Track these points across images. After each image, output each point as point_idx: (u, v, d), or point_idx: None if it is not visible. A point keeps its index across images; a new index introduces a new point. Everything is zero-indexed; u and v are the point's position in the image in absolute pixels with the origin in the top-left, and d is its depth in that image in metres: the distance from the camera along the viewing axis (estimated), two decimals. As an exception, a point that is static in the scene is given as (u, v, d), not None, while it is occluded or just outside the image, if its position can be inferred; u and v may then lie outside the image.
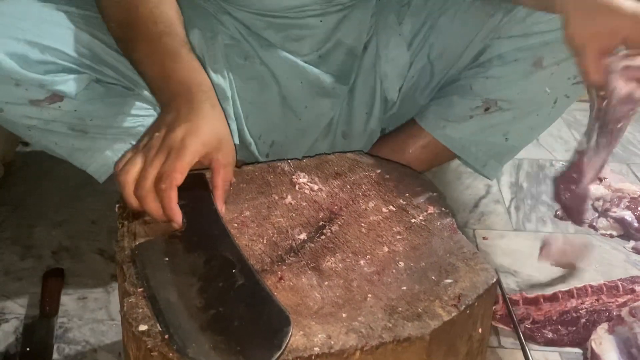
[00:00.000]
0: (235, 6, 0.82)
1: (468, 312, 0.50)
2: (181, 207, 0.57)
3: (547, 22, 0.78)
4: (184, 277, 0.51)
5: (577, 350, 0.76)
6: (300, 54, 0.85)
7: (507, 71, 0.82)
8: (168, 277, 0.51)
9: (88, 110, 0.76)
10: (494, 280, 0.52)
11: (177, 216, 0.56)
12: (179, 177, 0.57)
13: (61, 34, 0.72)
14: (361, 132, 0.91)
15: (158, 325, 0.46)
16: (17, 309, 0.81)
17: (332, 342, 0.45)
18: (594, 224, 0.99)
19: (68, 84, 0.73)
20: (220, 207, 0.60)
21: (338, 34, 0.85)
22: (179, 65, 0.66)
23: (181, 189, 0.57)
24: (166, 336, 0.45)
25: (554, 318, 0.78)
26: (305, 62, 0.85)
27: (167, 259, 0.53)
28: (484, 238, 0.97)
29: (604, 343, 0.72)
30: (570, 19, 0.61)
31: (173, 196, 0.56)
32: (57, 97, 0.73)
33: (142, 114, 0.80)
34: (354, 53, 0.86)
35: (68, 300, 0.83)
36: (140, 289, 0.50)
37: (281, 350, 0.44)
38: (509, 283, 0.87)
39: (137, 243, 0.55)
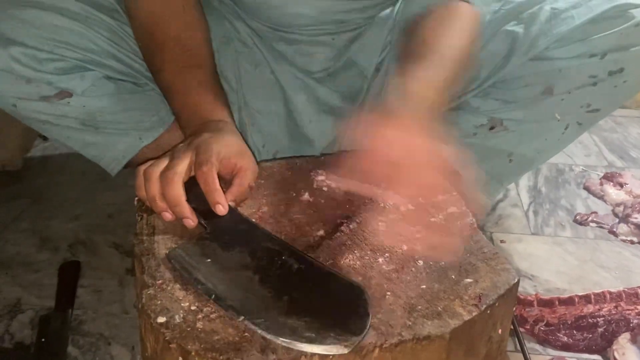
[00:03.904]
0: (249, 16, 0.82)
1: (489, 312, 0.49)
2: (195, 210, 0.56)
3: (562, 48, 0.76)
4: (239, 273, 0.51)
5: (596, 357, 0.75)
6: (310, 69, 0.84)
7: (517, 95, 0.80)
8: (222, 276, 0.50)
9: (97, 106, 0.76)
10: (516, 280, 0.52)
11: (187, 215, 0.55)
12: (214, 162, 0.56)
13: (69, 32, 0.73)
14: None
15: (242, 322, 0.46)
16: (33, 300, 0.82)
17: (351, 339, 0.45)
18: (615, 229, 0.98)
19: (75, 82, 0.74)
20: (229, 203, 0.58)
21: (349, 52, 0.84)
22: (203, 101, 0.67)
23: (190, 195, 0.56)
24: (253, 327, 0.45)
25: (569, 322, 0.77)
26: (315, 79, 0.85)
27: (209, 260, 0.52)
28: (502, 241, 0.96)
29: (627, 353, 0.71)
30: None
31: (215, 177, 0.56)
32: (66, 93, 0.74)
33: (151, 109, 0.81)
34: (365, 74, 0.85)
35: (83, 293, 0.83)
36: (190, 294, 0.49)
37: (370, 316, 0.46)
38: (526, 287, 0.86)
39: (166, 252, 0.54)
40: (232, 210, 0.58)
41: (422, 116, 0.59)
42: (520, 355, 0.74)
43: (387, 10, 0.84)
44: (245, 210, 0.61)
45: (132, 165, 0.83)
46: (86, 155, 0.82)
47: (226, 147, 0.60)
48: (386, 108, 0.59)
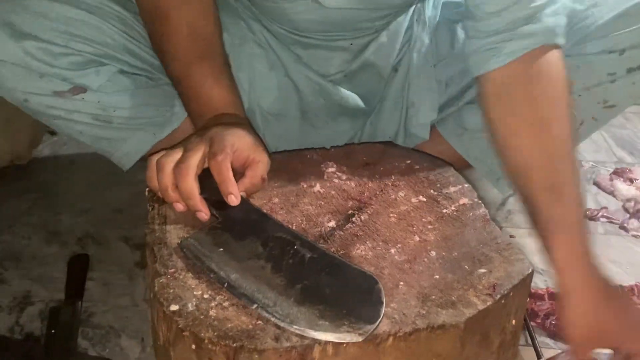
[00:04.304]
0: (267, 17, 0.82)
1: (503, 302, 0.49)
2: (206, 200, 0.56)
3: (580, 46, 0.75)
4: (251, 262, 0.51)
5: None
6: (326, 72, 0.84)
7: None
8: (236, 265, 0.50)
9: (111, 101, 0.76)
10: (530, 270, 0.51)
11: (232, 193, 0.55)
12: (229, 153, 0.56)
13: (84, 26, 0.72)
14: None
15: (256, 309, 0.46)
16: (43, 292, 0.82)
17: (365, 327, 0.45)
18: (625, 225, 0.97)
19: (90, 78, 0.73)
20: (241, 194, 0.58)
21: (365, 53, 0.83)
22: (216, 94, 0.66)
23: (203, 186, 0.56)
24: (266, 315, 0.45)
25: (581, 317, 0.77)
26: (331, 81, 0.84)
27: (221, 249, 0.52)
28: (511, 236, 0.95)
29: (637, 345, 0.71)
30: (573, 307, 0.58)
31: (228, 167, 0.55)
32: (80, 89, 0.74)
33: (165, 105, 0.80)
34: (381, 74, 0.85)
35: (92, 285, 0.83)
36: (204, 282, 0.49)
37: (384, 304, 0.46)
38: (536, 281, 0.85)
39: (178, 241, 0.54)
40: (243, 200, 0.57)
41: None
42: (532, 348, 0.73)
43: (402, 13, 0.83)
44: (256, 202, 0.61)
45: (142, 159, 0.83)
46: (98, 150, 0.82)
47: (240, 140, 0.59)
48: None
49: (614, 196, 1.05)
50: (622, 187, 1.06)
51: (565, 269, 0.58)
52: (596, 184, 1.09)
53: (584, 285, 0.57)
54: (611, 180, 1.08)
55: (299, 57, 0.83)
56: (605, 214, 0.99)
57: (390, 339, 0.44)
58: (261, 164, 0.61)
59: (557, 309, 0.61)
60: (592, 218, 0.99)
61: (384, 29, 0.82)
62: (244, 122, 0.65)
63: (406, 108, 0.86)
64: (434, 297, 0.48)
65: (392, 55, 0.84)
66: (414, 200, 0.62)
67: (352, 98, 0.85)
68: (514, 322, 0.52)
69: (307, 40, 0.81)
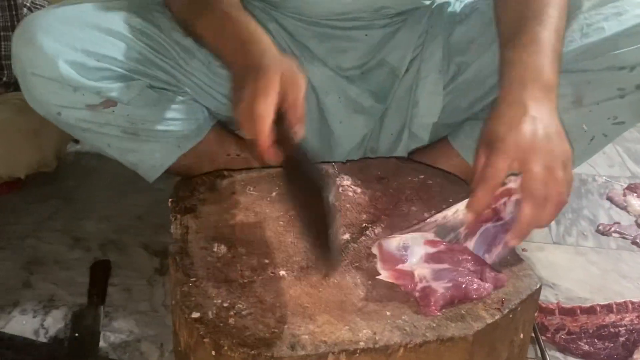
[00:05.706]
0: (282, 13, 0.85)
1: (511, 316, 0.50)
2: None
3: (592, 60, 0.76)
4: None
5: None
6: (342, 67, 0.86)
7: None
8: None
9: (140, 114, 0.79)
10: (538, 286, 0.53)
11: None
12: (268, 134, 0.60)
13: (116, 42, 0.75)
14: (387, 152, 0.91)
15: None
16: (66, 296, 0.84)
17: (377, 338, 0.47)
18: (637, 240, 0.98)
19: (121, 91, 0.76)
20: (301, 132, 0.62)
21: (382, 52, 0.86)
22: (239, 28, 0.68)
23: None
24: None
25: (591, 331, 0.77)
26: (347, 78, 0.86)
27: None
28: (523, 250, 0.96)
29: (648, 363, 0.71)
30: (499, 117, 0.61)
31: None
32: (111, 102, 0.76)
33: (190, 118, 0.83)
34: (396, 73, 0.87)
35: (113, 291, 0.86)
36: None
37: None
38: (547, 296, 0.86)
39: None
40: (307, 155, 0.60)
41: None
42: (542, 362, 0.74)
43: (420, 13, 0.85)
44: (274, 213, 0.63)
45: (167, 171, 0.86)
46: (125, 162, 0.85)
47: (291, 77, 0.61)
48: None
49: (627, 211, 1.06)
50: (636, 203, 1.06)
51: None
52: (609, 198, 1.10)
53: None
54: (624, 195, 1.09)
55: (315, 55, 0.85)
56: (617, 229, 1.00)
57: (401, 350, 0.46)
58: (298, 103, 0.63)
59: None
60: (605, 233, 1.00)
61: (399, 24, 0.84)
62: (274, 50, 0.65)
63: (411, 107, 0.88)
64: (444, 310, 0.50)
65: (408, 55, 0.86)
66: (426, 214, 0.64)
67: (367, 96, 0.87)
68: (521, 335, 0.53)
69: (323, 30, 0.83)
